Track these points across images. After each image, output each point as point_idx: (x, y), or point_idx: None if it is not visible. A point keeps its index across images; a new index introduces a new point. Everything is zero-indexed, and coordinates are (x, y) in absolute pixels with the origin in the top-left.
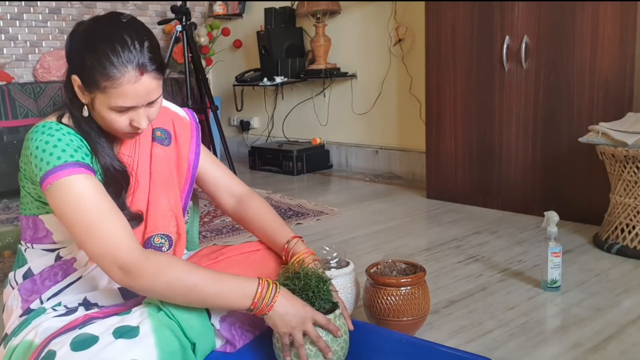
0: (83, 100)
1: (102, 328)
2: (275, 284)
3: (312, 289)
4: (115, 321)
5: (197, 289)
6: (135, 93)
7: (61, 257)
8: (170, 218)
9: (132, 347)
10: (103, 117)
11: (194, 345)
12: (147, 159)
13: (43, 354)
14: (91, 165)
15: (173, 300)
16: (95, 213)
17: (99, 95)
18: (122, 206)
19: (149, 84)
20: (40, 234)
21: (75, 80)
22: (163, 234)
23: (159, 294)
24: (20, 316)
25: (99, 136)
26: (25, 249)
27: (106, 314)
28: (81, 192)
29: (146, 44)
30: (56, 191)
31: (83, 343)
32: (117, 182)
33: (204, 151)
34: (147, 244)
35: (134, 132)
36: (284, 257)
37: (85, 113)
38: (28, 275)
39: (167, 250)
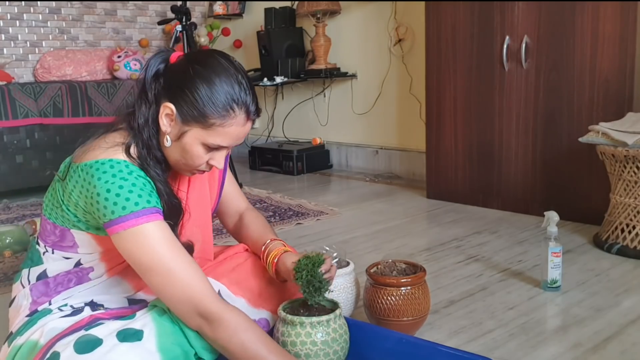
0: (166, 129)
1: (106, 331)
2: None
3: (319, 278)
4: (119, 325)
5: (265, 358)
6: (237, 136)
7: (81, 265)
8: (204, 244)
9: (135, 352)
10: (188, 150)
11: (195, 354)
12: (186, 180)
13: (48, 356)
14: (161, 208)
15: (228, 355)
16: (173, 260)
17: (196, 129)
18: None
19: (248, 129)
20: (65, 243)
21: (168, 107)
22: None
23: (231, 350)
24: (28, 316)
25: (160, 170)
26: (44, 252)
27: (112, 315)
28: (157, 239)
29: (253, 90)
30: (132, 237)
31: (87, 345)
32: (172, 217)
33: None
34: None
35: (201, 171)
36: (261, 258)
37: (168, 143)
38: (42, 277)
39: None
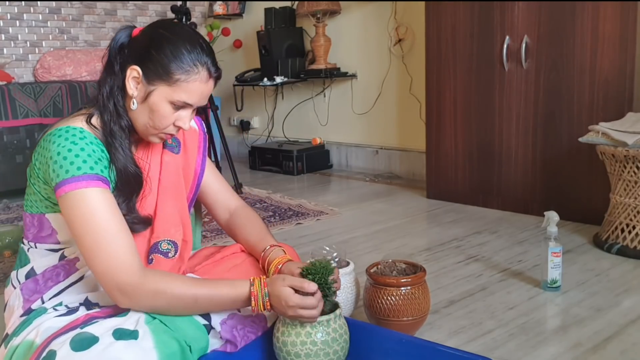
0: (133, 93)
1: (102, 329)
2: (260, 278)
3: (329, 285)
4: (115, 323)
5: (197, 303)
6: (201, 92)
7: (65, 257)
8: (177, 225)
9: (132, 349)
10: (155, 110)
11: (189, 347)
12: (157, 166)
13: (44, 355)
14: (108, 177)
15: (173, 313)
16: (104, 231)
17: (162, 87)
18: (132, 209)
19: (211, 88)
20: (44, 232)
21: (134, 70)
22: (170, 240)
23: (161, 311)
24: (21, 316)
25: (124, 137)
26: (28, 249)
27: (107, 314)
28: (94, 206)
29: (213, 53)
30: (70, 201)
31: (83, 343)
32: (130, 185)
33: (209, 163)
34: (153, 249)
35: (169, 133)
36: (261, 265)
37: (134, 106)
38: (31, 274)
39: (173, 256)
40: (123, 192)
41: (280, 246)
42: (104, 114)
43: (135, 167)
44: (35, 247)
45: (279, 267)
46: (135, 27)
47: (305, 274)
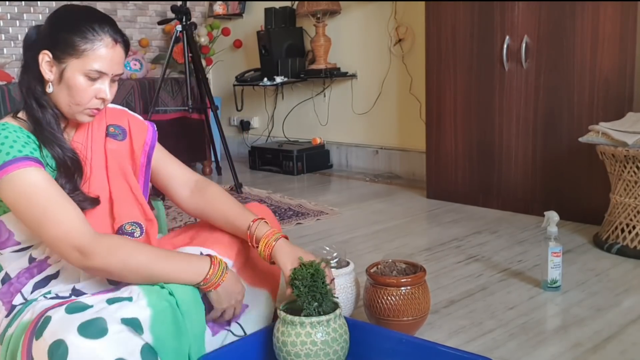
0: (48, 77)
1: (95, 300)
2: (226, 263)
3: (320, 291)
4: (108, 295)
5: (151, 265)
6: (111, 59)
7: (35, 259)
8: (134, 205)
9: (126, 308)
10: (72, 86)
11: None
12: (102, 154)
13: (39, 323)
14: (40, 158)
15: (127, 278)
16: (48, 201)
17: (72, 61)
18: (75, 188)
19: (121, 54)
20: (2, 237)
21: (45, 54)
22: (133, 222)
23: (115, 272)
24: (7, 316)
25: (52, 124)
26: None
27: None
28: (32, 182)
29: (113, 20)
30: (7, 184)
31: (77, 308)
32: (68, 169)
33: (159, 147)
34: (119, 232)
35: (95, 108)
36: (250, 243)
37: (50, 89)
38: (6, 279)
39: (139, 236)
40: (64, 174)
41: (262, 219)
42: (28, 109)
43: (70, 151)
44: (1, 254)
45: (269, 250)
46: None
47: (292, 277)
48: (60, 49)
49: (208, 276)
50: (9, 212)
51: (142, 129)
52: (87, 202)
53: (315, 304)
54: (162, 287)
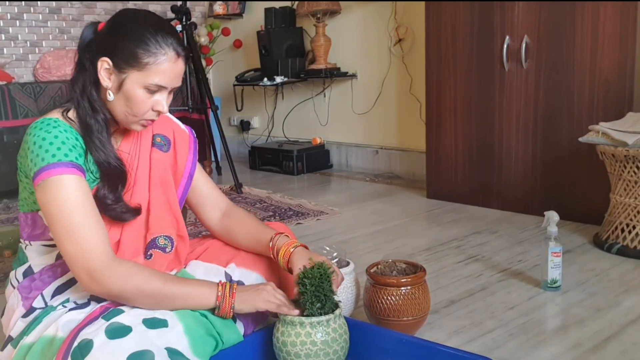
0: (107, 84)
1: (130, 318)
2: (231, 284)
3: (325, 292)
4: (142, 312)
5: (165, 291)
6: (172, 73)
7: (62, 257)
8: (169, 218)
9: (165, 336)
10: (131, 97)
11: (219, 335)
12: (146, 163)
13: (76, 344)
14: (84, 165)
15: (141, 304)
16: (76, 215)
17: (134, 73)
18: (118, 199)
19: (182, 67)
20: (37, 230)
21: (105, 62)
22: (166, 236)
23: (128, 297)
24: (24, 316)
25: (102, 131)
26: (25, 247)
27: (118, 306)
28: (67, 192)
29: (177, 33)
30: (45, 188)
31: (118, 331)
32: (112, 177)
33: (198, 165)
34: (151, 244)
35: (150, 119)
36: (271, 255)
37: (110, 97)
38: (28, 273)
39: (170, 251)
40: (107, 184)
41: (282, 233)
42: (79, 110)
43: (116, 159)
44: (31, 245)
45: (287, 258)
46: (99, 22)
47: (302, 276)
48: (121, 58)
49: (218, 301)
50: None
51: (185, 141)
52: (129, 214)
53: (318, 304)
54: (194, 310)
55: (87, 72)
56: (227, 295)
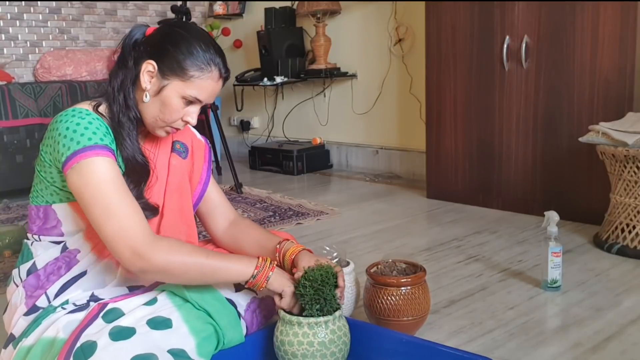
0: (146, 86)
1: (133, 319)
2: (271, 260)
3: (325, 296)
4: (145, 312)
5: (207, 263)
6: (212, 90)
7: (67, 248)
8: (181, 224)
9: (170, 337)
10: (167, 103)
11: (223, 336)
12: (165, 167)
13: (79, 345)
14: (115, 153)
15: (186, 278)
16: (115, 196)
17: (176, 82)
18: (140, 196)
19: (219, 88)
20: (49, 224)
21: (150, 64)
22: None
23: (174, 271)
24: (26, 314)
25: (131, 128)
26: (32, 242)
27: (116, 302)
28: (105, 172)
29: (225, 57)
30: (81, 170)
31: (122, 333)
32: (137, 173)
33: (212, 175)
34: None
35: (175, 128)
36: (277, 259)
37: (147, 99)
38: (32, 270)
39: None
40: (132, 179)
41: (288, 239)
42: (113, 105)
43: (142, 156)
44: (39, 240)
45: (292, 257)
46: (149, 26)
47: (303, 277)
48: (168, 65)
49: (256, 272)
50: (64, 202)
51: (201, 149)
52: (148, 211)
53: (318, 306)
54: (198, 309)
55: (128, 70)
56: (267, 267)
